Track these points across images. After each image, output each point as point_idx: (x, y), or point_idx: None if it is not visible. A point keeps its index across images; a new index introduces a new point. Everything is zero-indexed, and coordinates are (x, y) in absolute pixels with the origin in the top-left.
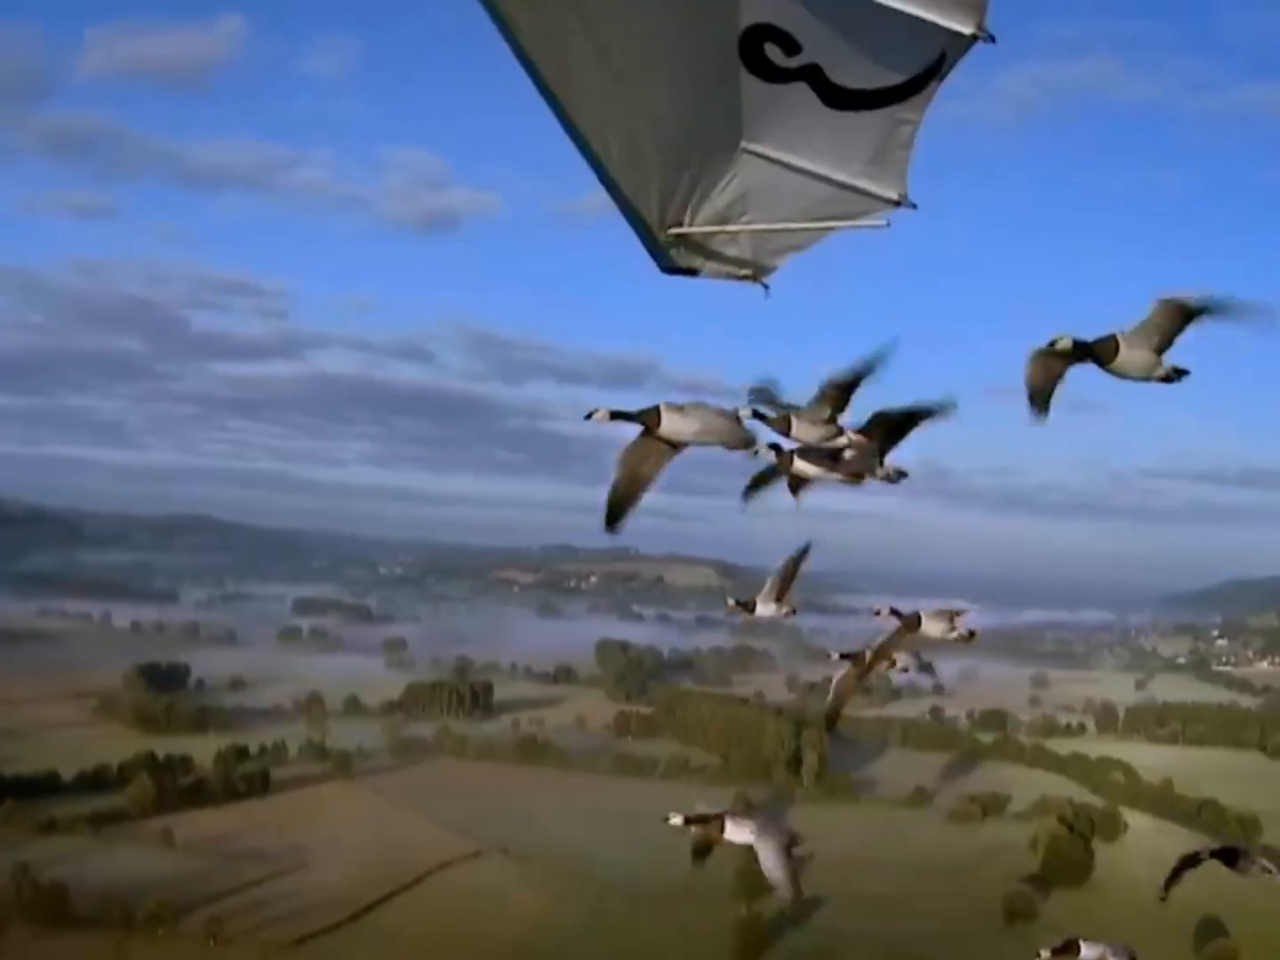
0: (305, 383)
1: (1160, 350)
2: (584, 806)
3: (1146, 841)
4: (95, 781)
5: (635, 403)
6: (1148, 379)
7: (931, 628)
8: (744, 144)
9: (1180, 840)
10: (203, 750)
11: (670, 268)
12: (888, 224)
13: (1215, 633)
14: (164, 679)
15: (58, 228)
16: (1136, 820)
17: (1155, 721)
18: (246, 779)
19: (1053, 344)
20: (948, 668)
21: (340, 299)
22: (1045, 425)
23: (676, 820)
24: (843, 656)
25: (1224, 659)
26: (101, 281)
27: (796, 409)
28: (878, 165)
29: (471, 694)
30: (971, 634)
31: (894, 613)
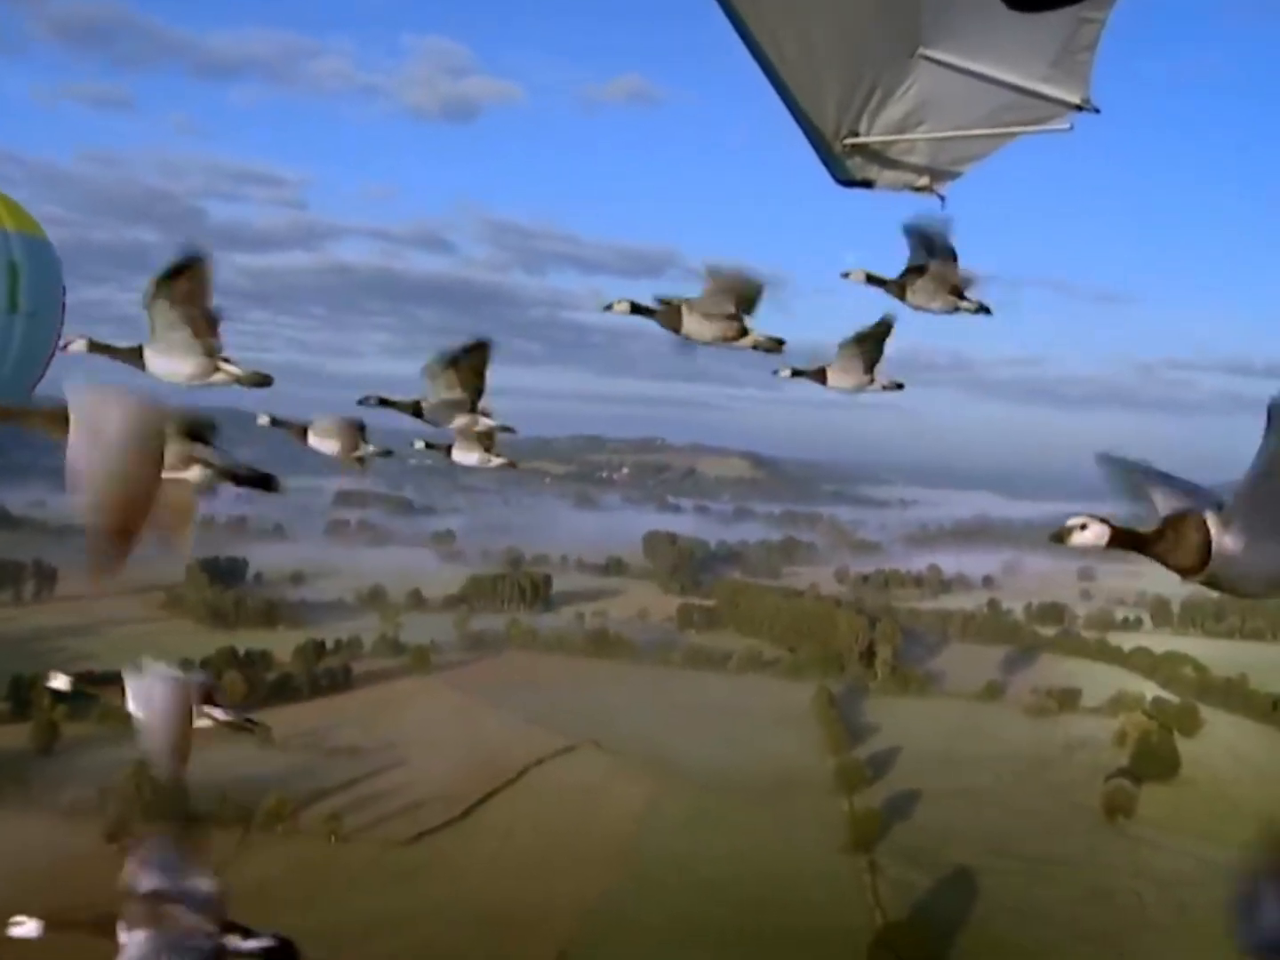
0: (324, 274)
1: (955, 286)
2: (665, 700)
3: (1224, 737)
4: None
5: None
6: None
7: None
8: (921, 50)
9: (1258, 736)
10: (276, 645)
11: (846, 179)
12: (1070, 127)
13: None
14: (224, 573)
15: (72, 118)
16: (1212, 716)
17: (1212, 616)
18: (329, 674)
19: (845, 274)
20: (989, 560)
21: (360, 189)
22: None
23: (59, 683)
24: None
25: None
26: (117, 172)
27: (688, 300)
28: (1060, 68)
29: (532, 586)
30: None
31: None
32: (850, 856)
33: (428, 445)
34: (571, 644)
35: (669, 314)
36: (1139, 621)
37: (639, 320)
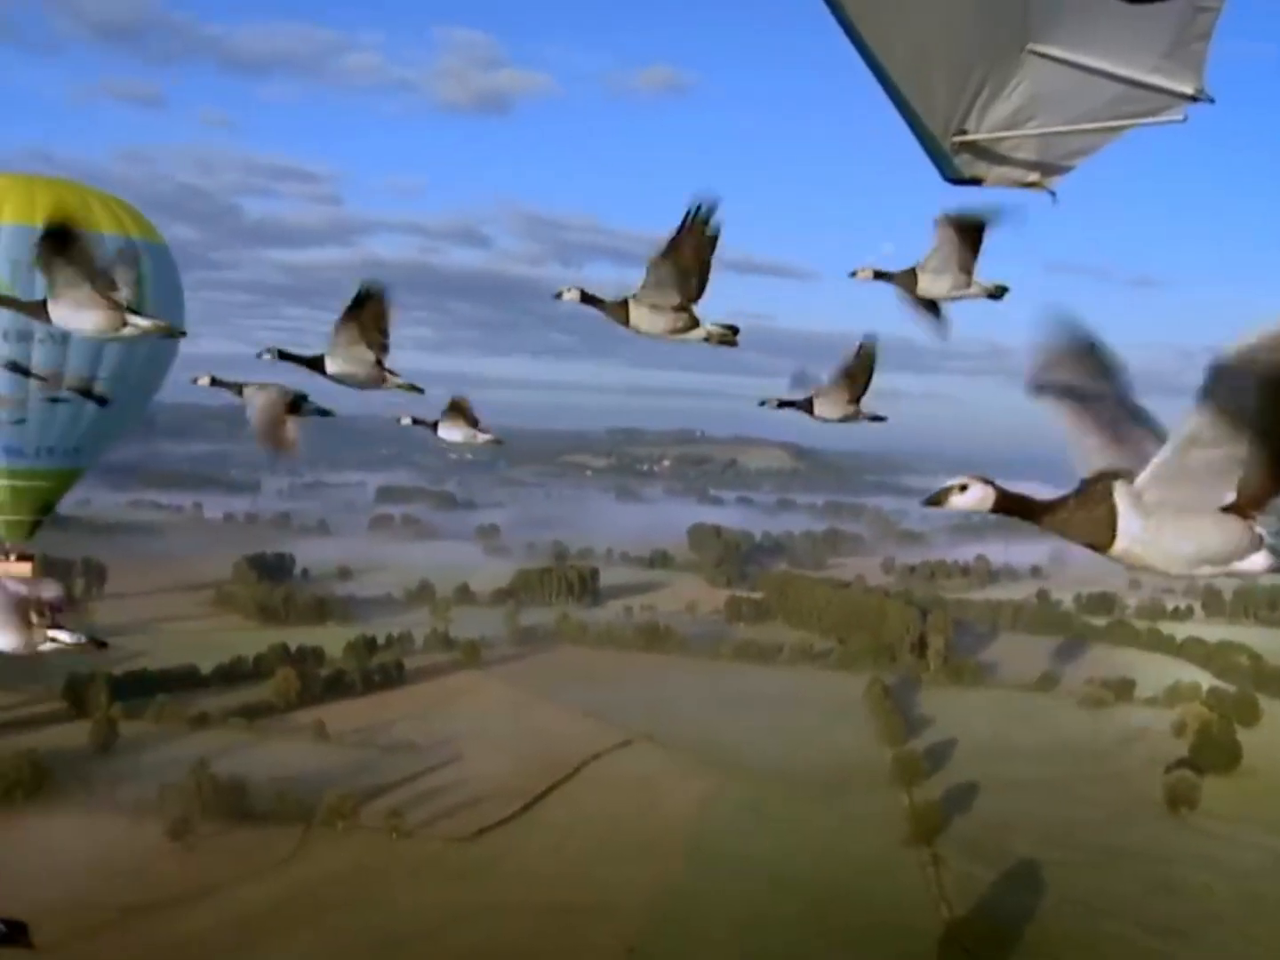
0: (359, 268)
1: (966, 268)
2: (718, 694)
3: None
4: (232, 674)
5: None
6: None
7: None
8: (1030, 45)
9: None
10: (327, 640)
11: (955, 177)
12: (1185, 118)
13: None
14: (272, 570)
15: (107, 116)
16: (1270, 706)
17: (1266, 604)
18: (382, 670)
19: (853, 274)
20: (1037, 550)
21: (393, 183)
22: None
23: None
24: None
25: None
26: (152, 170)
27: (635, 297)
28: (1173, 59)
29: (579, 580)
30: None
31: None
32: (912, 850)
33: (415, 421)
34: (622, 638)
35: (616, 307)
36: (1190, 610)
37: None
